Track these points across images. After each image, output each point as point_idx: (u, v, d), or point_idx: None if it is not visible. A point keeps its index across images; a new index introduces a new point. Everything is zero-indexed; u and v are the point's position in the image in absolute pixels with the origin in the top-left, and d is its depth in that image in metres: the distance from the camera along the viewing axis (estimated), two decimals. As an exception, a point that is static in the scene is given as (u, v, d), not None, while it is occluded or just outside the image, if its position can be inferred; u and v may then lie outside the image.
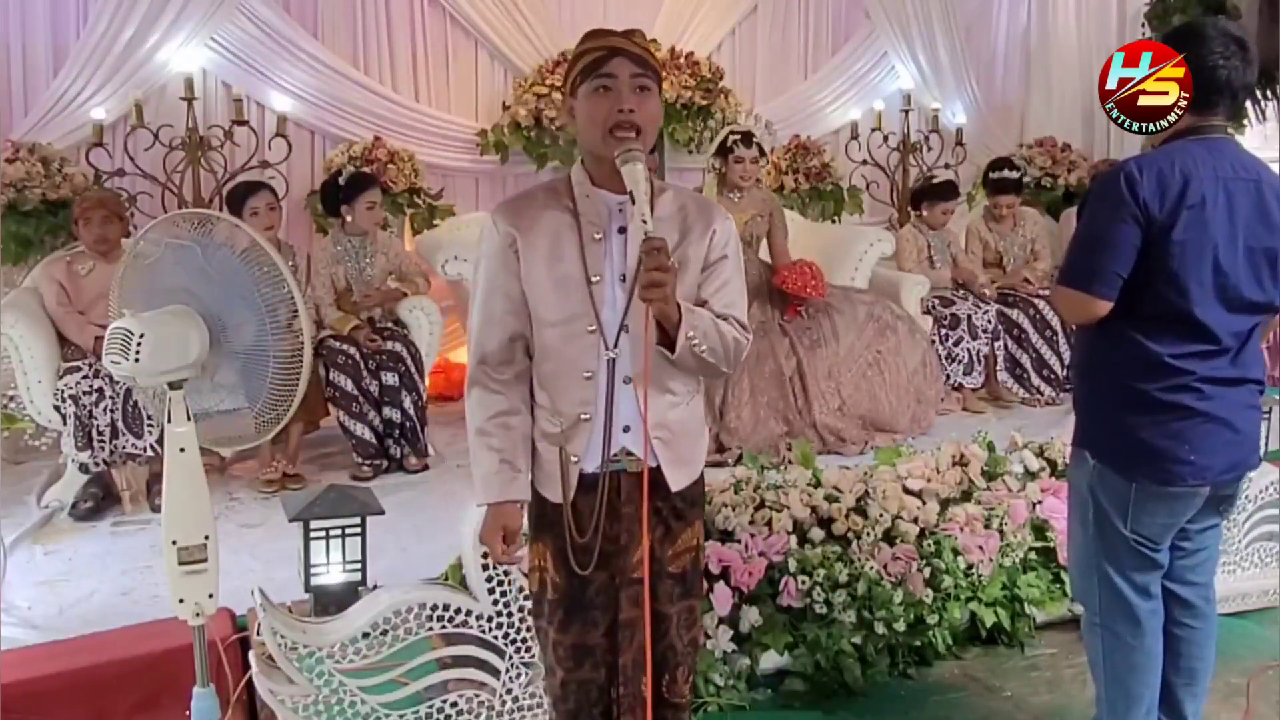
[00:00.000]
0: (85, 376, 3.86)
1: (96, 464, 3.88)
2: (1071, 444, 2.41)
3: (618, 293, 1.84)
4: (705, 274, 1.92)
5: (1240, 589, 3.46)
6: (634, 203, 1.74)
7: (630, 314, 1.82)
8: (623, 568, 1.91)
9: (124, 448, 3.87)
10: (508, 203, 1.95)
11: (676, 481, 1.91)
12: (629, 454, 1.88)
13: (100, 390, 3.85)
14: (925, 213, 5.48)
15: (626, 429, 1.87)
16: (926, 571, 3.19)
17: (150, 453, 3.87)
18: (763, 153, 4.77)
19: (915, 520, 3.27)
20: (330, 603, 2.75)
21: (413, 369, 4.36)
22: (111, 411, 3.85)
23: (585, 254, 1.84)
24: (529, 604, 2.65)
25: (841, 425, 4.48)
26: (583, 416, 1.85)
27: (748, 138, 4.64)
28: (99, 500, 3.93)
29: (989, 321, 5.20)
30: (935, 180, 5.87)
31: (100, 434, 3.85)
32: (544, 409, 1.89)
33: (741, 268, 1.98)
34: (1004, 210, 5.53)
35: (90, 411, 3.85)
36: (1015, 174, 5.56)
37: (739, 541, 3.05)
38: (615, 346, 1.84)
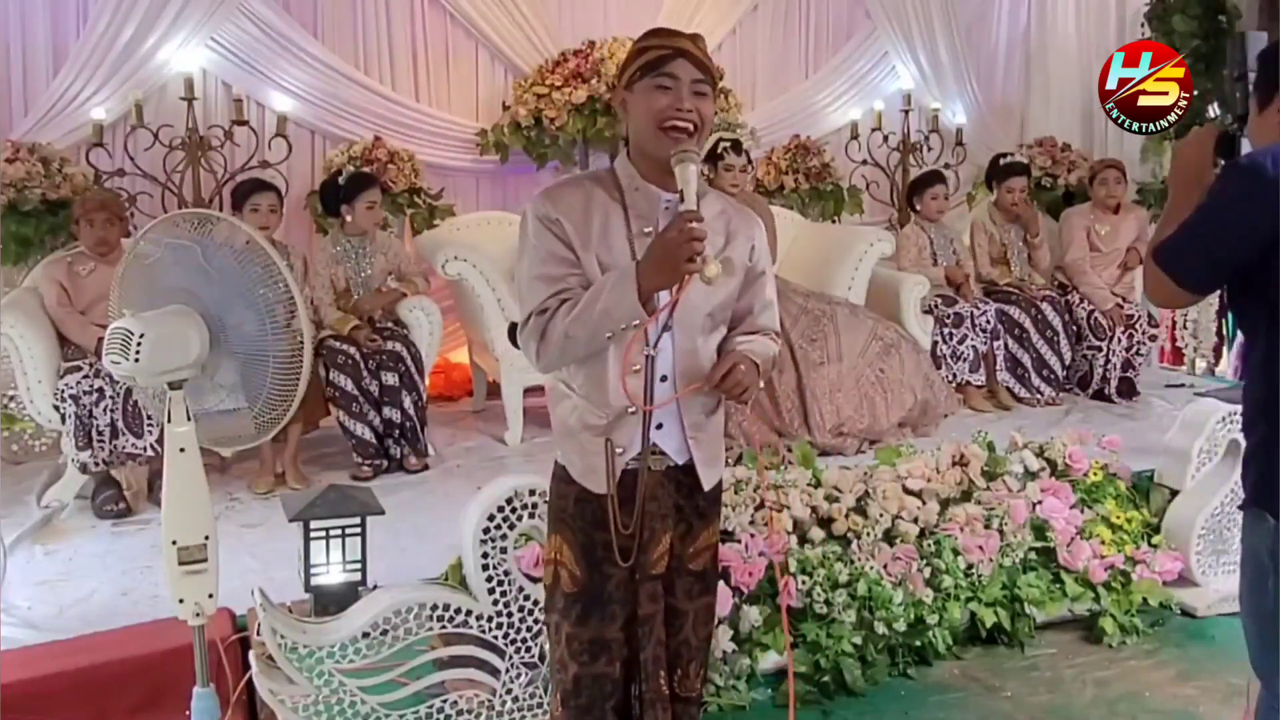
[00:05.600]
0: (85, 376, 3.86)
1: (96, 464, 3.87)
2: (1245, 503, 1.99)
3: (663, 293, 1.82)
4: (746, 287, 1.97)
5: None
6: (683, 201, 1.75)
7: (674, 316, 1.83)
8: (644, 563, 1.92)
9: (124, 448, 3.87)
10: (551, 189, 1.94)
11: (709, 480, 1.94)
12: (655, 453, 1.89)
13: (100, 390, 3.84)
14: (919, 206, 5.50)
15: (660, 426, 1.89)
16: (926, 571, 3.19)
17: (150, 452, 3.86)
18: (749, 161, 4.85)
19: (915, 520, 3.27)
20: (330, 603, 2.75)
21: (413, 369, 4.36)
22: (111, 411, 3.85)
23: (634, 247, 1.86)
24: (529, 604, 2.67)
25: (838, 442, 4.46)
26: (629, 410, 1.86)
27: (737, 145, 4.69)
28: (120, 497, 3.87)
29: (988, 321, 5.20)
30: (922, 172, 5.90)
31: (100, 434, 3.85)
32: (590, 401, 1.88)
33: (773, 277, 2.05)
34: (1017, 195, 5.49)
35: (90, 411, 3.84)
36: (1023, 161, 5.65)
37: (739, 541, 3.05)
38: (656, 345, 1.85)
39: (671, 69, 1.83)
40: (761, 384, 1.95)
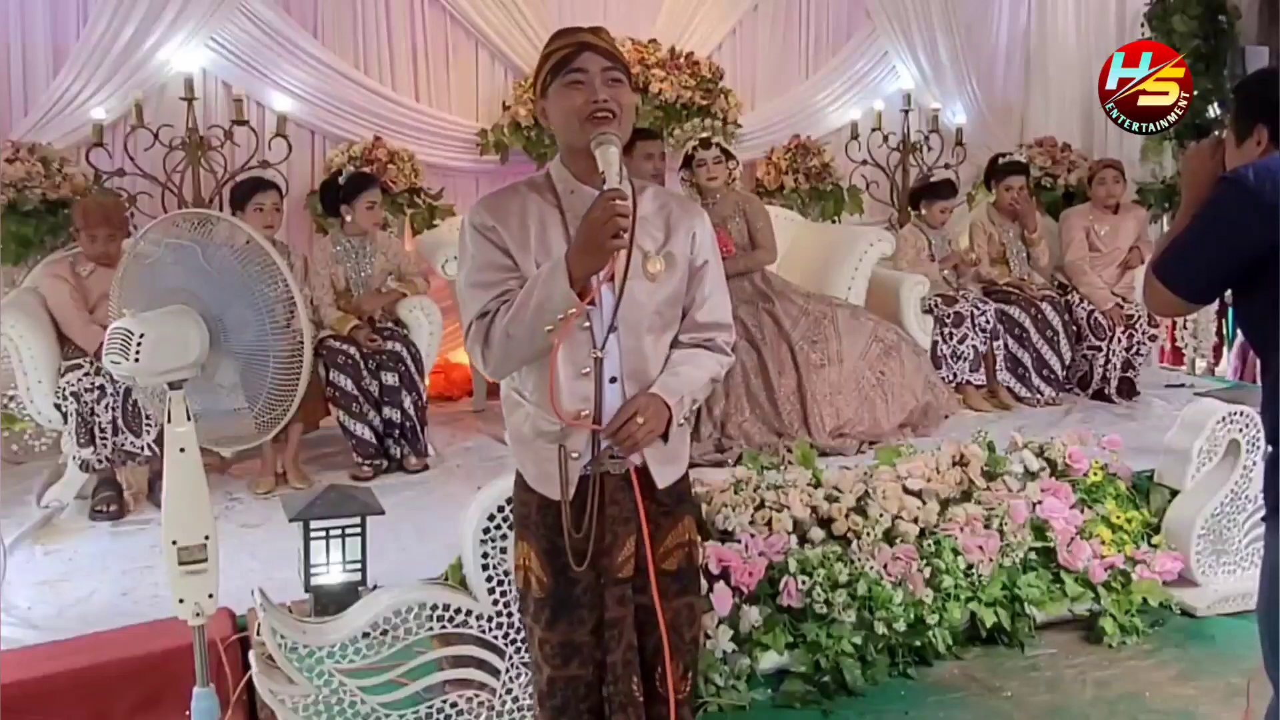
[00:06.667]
0: (86, 374, 3.86)
1: (99, 461, 3.87)
2: (1268, 514, 2.02)
3: (605, 293, 1.82)
4: (691, 279, 1.95)
5: (1240, 589, 3.46)
6: (605, 184, 1.75)
7: (619, 315, 1.82)
8: (608, 567, 1.91)
9: (124, 445, 3.87)
10: (487, 197, 1.96)
11: (663, 479, 1.92)
12: (613, 457, 1.89)
13: (101, 388, 3.84)
14: (924, 211, 5.49)
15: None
16: (926, 571, 3.19)
17: (148, 452, 3.86)
18: (729, 155, 4.92)
19: (915, 520, 3.27)
20: (330, 603, 2.75)
21: (413, 369, 4.36)
22: (113, 409, 3.85)
23: None
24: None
25: (838, 444, 4.46)
26: (582, 413, 1.85)
27: (705, 141, 4.87)
28: (116, 499, 3.87)
29: (988, 321, 5.20)
30: (933, 179, 5.91)
31: (102, 431, 3.85)
32: (542, 408, 1.88)
33: (721, 268, 2.01)
34: (1016, 192, 5.49)
35: (92, 409, 3.84)
36: (1021, 160, 5.71)
37: (739, 541, 3.05)
38: (603, 347, 1.84)
39: (579, 63, 1.84)
40: (695, 405, 1.96)
